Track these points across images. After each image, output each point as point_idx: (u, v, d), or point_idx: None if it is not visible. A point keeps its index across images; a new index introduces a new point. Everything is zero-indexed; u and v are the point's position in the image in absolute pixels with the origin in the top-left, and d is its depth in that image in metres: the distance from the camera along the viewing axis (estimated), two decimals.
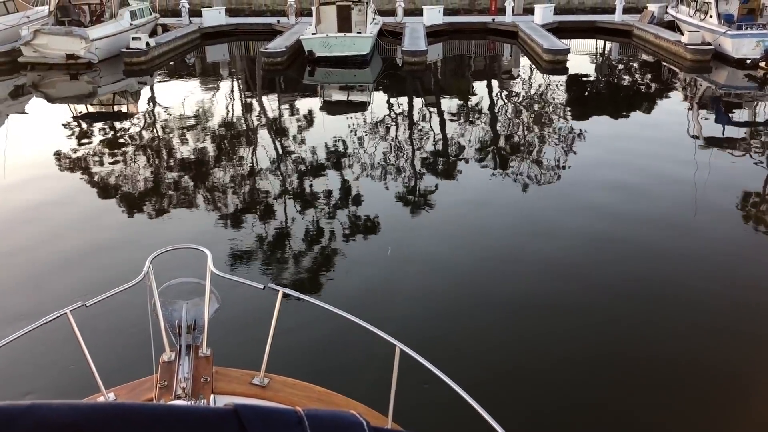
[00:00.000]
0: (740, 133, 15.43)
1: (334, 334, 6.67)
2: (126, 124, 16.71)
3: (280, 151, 14.38)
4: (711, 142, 14.63)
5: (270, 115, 17.73)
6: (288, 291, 3.22)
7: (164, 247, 3.31)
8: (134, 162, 13.52)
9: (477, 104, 18.48)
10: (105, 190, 11.91)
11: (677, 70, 22.79)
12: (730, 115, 17.20)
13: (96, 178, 12.53)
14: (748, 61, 21.74)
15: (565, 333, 7.21)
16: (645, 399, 6.08)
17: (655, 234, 9.74)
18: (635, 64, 24.97)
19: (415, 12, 31.63)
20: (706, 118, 17.05)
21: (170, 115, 17.42)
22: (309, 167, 13.08)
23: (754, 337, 7.09)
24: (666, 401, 6.08)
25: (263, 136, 15.60)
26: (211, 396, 3.04)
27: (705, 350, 6.87)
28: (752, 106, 18.03)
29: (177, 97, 19.42)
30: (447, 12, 31.20)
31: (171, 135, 15.55)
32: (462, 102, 18.77)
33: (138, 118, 17.31)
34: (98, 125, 16.41)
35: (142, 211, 10.96)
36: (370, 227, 10.25)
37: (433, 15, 29.58)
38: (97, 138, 15.28)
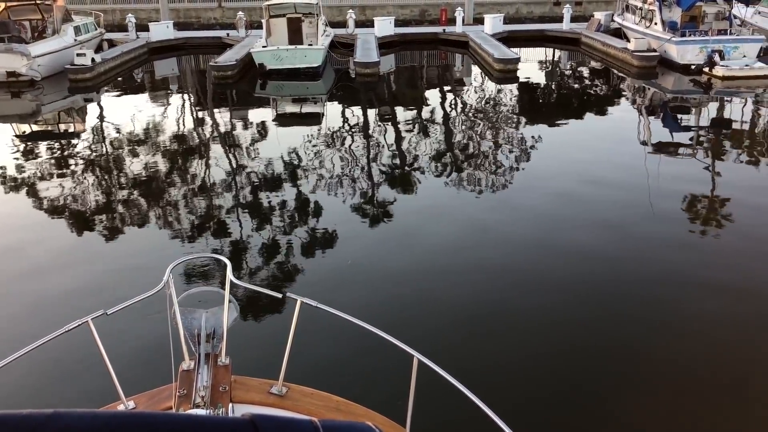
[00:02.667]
0: (688, 137, 15.75)
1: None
2: (73, 142, 16.18)
3: (234, 165, 14.09)
4: (660, 146, 14.89)
5: (222, 129, 17.41)
6: (306, 300, 3.21)
7: (184, 256, 3.37)
8: (83, 181, 13.08)
9: (431, 114, 18.48)
10: (53, 210, 11.47)
11: (625, 76, 23.24)
12: (678, 119, 17.56)
13: (43, 198, 12.07)
14: (693, 67, 22.31)
15: (519, 336, 7.22)
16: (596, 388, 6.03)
17: (608, 239, 9.79)
18: (584, 72, 25.38)
19: (367, 23, 31.67)
20: (655, 124, 17.35)
21: (120, 131, 16.94)
22: (264, 181, 12.85)
23: (702, 335, 7.16)
24: (616, 393, 6.06)
25: (216, 150, 15.29)
26: (230, 405, 3.05)
27: (660, 349, 6.90)
28: (698, 110, 18.46)
29: (126, 113, 18.93)
30: (398, 23, 31.31)
31: (121, 152, 15.12)
32: (416, 112, 18.76)
33: (86, 136, 16.78)
34: (43, 144, 15.86)
35: (93, 230, 10.57)
36: (328, 239, 10.08)
37: (385, 26, 29.64)
38: (43, 157, 14.75)
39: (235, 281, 3.33)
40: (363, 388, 6.00)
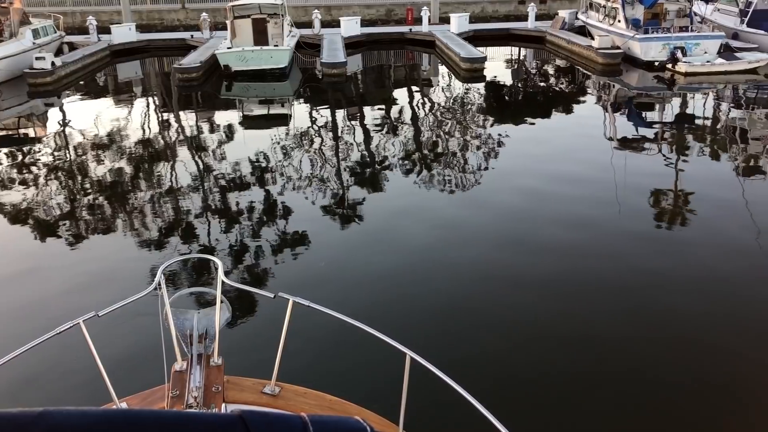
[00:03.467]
0: (652, 132, 15.94)
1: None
2: (35, 147, 15.77)
3: (202, 168, 13.87)
4: (625, 142, 15.05)
5: (189, 132, 17.13)
6: (298, 300, 3.21)
7: (175, 257, 3.34)
8: (45, 187, 12.74)
9: (399, 114, 18.44)
10: (15, 217, 11.15)
11: (590, 73, 23.47)
12: (643, 115, 17.77)
13: (3, 205, 11.71)
14: (657, 64, 22.63)
15: (496, 330, 7.22)
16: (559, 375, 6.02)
17: (577, 234, 9.85)
18: (550, 70, 25.59)
19: (333, 23, 31.54)
20: (620, 120, 17.54)
21: (83, 136, 16.57)
22: (232, 183, 12.67)
23: (669, 326, 7.23)
24: (579, 385, 6.07)
25: (183, 153, 15.03)
26: (223, 405, 3.07)
27: (630, 339, 6.94)
28: (662, 106, 18.71)
29: (89, 117, 18.55)
30: (364, 23, 31.23)
31: (85, 157, 14.78)
32: (384, 112, 18.69)
33: (48, 141, 16.38)
34: (3, 150, 15.43)
35: (57, 236, 10.30)
36: (299, 241, 9.97)
37: (351, 26, 29.54)
38: (3, 164, 14.34)
39: (227, 281, 3.33)
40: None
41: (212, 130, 17.10)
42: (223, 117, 18.41)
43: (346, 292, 8.27)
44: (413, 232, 10.15)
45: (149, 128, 17.56)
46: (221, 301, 3.26)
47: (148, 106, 20.76)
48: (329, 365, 6.56)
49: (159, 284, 3.21)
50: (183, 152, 15.13)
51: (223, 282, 3.29)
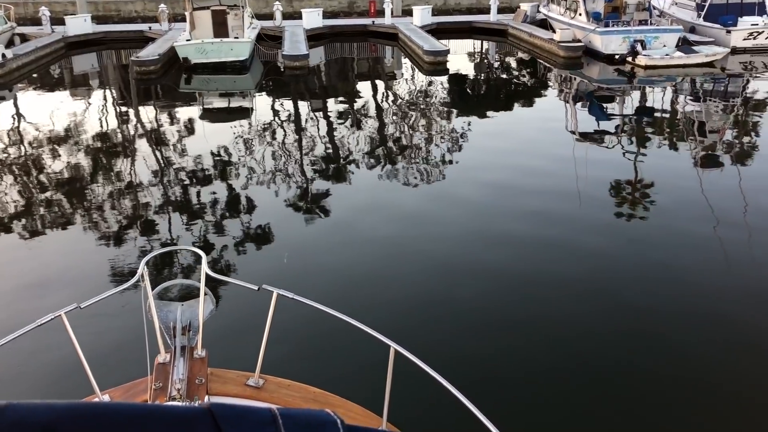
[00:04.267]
0: (613, 125, 16.11)
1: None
2: None
3: (162, 162, 13.57)
4: (587, 135, 15.18)
5: (147, 125, 16.75)
6: (282, 292, 3.19)
7: (158, 248, 3.28)
8: None
9: (363, 107, 18.31)
10: None
11: (551, 66, 23.64)
12: (604, 108, 17.94)
13: None
14: (617, 57, 22.90)
15: (463, 321, 7.21)
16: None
17: (540, 226, 9.90)
18: (512, 63, 25.70)
19: (294, 15, 31.22)
20: (582, 113, 17.69)
21: (38, 130, 16.08)
22: (193, 178, 12.43)
23: (629, 310, 7.30)
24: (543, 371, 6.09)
25: (142, 148, 14.68)
26: (206, 397, 3.03)
27: (592, 327, 7.01)
28: (622, 99, 18.93)
29: (43, 111, 18.02)
30: (326, 15, 30.98)
31: (39, 151, 14.34)
32: (347, 105, 18.55)
33: None
34: None
35: (10, 234, 9.96)
36: (262, 236, 9.80)
37: (313, 18, 29.26)
38: None
39: (211, 274, 3.31)
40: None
41: (172, 124, 16.76)
42: (182, 110, 18.05)
43: (309, 287, 8.14)
44: (376, 225, 10.07)
45: (107, 122, 17.11)
46: (205, 294, 3.24)
47: (105, 99, 20.25)
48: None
49: (142, 276, 3.17)
50: (143, 146, 14.78)
51: (206, 274, 3.28)
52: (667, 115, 17.21)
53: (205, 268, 3.31)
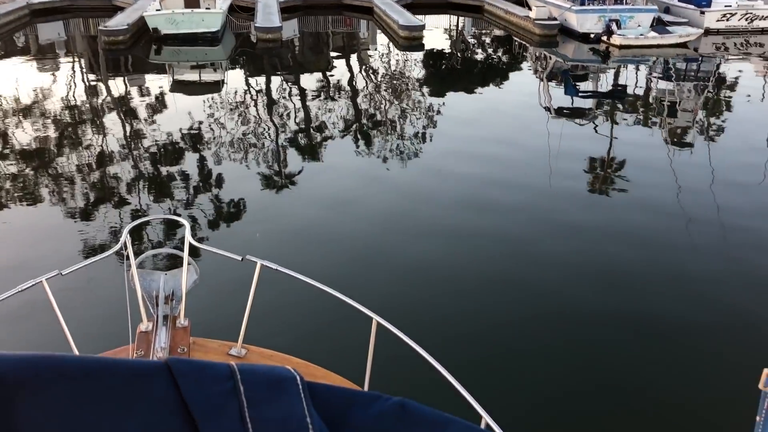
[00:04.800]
0: (587, 103, 16.14)
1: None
2: None
3: (132, 135, 13.26)
4: (561, 112, 15.18)
5: (116, 97, 16.35)
6: (266, 263, 3.18)
7: (141, 217, 3.16)
8: None
9: (337, 82, 18.08)
10: None
11: (527, 44, 23.56)
12: (578, 87, 17.96)
13: None
14: (592, 35, 22.89)
15: (447, 291, 7.19)
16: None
17: (517, 200, 9.91)
18: (488, 40, 25.57)
19: None
20: (556, 91, 17.68)
21: (2, 100, 15.60)
22: (164, 151, 12.19)
23: (601, 280, 7.35)
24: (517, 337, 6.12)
25: (112, 120, 14.33)
26: None
27: (565, 294, 7.04)
28: (597, 77, 18.95)
29: (7, 81, 17.48)
30: None
31: (5, 122, 13.90)
32: (321, 79, 18.30)
33: None
34: None
35: None
36: (234, 212, 9.65)
37: None
38: None
39: (194, 243, 3.28)
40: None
41: (143, 96, 16.38)
42: (152, 82, 17.65)
43: (286, 260, 8.02)
44: (352, 199, 9.97)
45: (75, 93, 16.67)
46: (188, 263, 3.23)
47: (73, 69, 19.71)
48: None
49: (124, 245, 3.14)
50: (113, 118, 14.44)
51: (190, 244, 3.26)
52: (641, 95, 17.28)
53: (188, 237, 3.29)
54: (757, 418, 1.19)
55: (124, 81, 18.07)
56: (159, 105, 15.58)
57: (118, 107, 15.39)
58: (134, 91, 16.82)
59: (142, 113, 14.81)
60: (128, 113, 14.84)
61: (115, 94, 16.66)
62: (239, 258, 3.24)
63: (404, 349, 2.88)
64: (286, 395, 0.87)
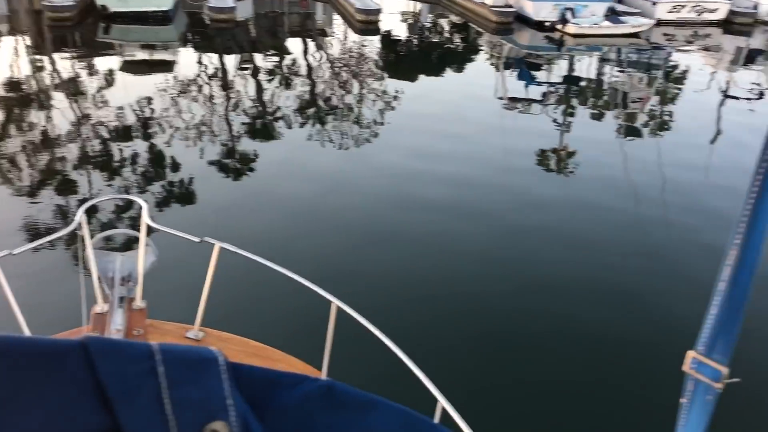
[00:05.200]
0: (541, 92, 16.30)
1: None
2: None
3: (81, 116, 12.84)
4: (515, 101, 15.30)
5: (64, 76, 15.80)
6: (224, 245, 3.11)
7: (98, 196, 2.99)
8: None
9: (291, 65, 17.85)
10: None
11: (483, 31, 23.65)
12: (532, 75, 18.11)
13: None
14: (547, 24, 23.11)
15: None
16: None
17: (464, 191, 9.96)
18: (444, 25, 25.57)
19: None
20: (511, 79, 17.81)
21: None
22: (115, 133, 11.85)
23: (544, 271, 7.47)
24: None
25: (59, 100, 13.85)
26: None
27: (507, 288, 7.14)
28: (551, 66, 19.15)
29: None
30: None
31: None
32: (276, 62, 18.05)
33: None
34: None
35: None
36: (186, 195, 9.46)
37: None
38: None
39: (152, 224, 3.20)
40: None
41: (91, 76, 15.89)
42: (101, 62, 17.13)
43: (241, 243, 7.91)
44: (301, 186, 9.88)
45: (18, 71, 16.07)
46: (146, 244, 3.17)
47: (16, 47, 18.98)
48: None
49: (79, 224, 3.05)
50: (60, 98, 13.96)
51: (147, 225, 3.18)
52: (594, 83, 17.54)
53: (145, 217, 3.21)
54: (683, 400, 1.22)
55: (72, 60, 17.49)
56: (109, 85, 15.13)
57: (66, 87, 14.88)
58: (82, 71, 16.30)
59: (92, 93, 14.36)
60: (77, 93, 14.38)
61: (63, 73, 16.12)
62: (197, 240, 3.19)
63: (363, 333, 2.88)
64: (206, 376, 0.85)
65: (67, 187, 9.56)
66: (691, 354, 1.27)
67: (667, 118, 14.52)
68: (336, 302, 3.02)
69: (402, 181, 10.25)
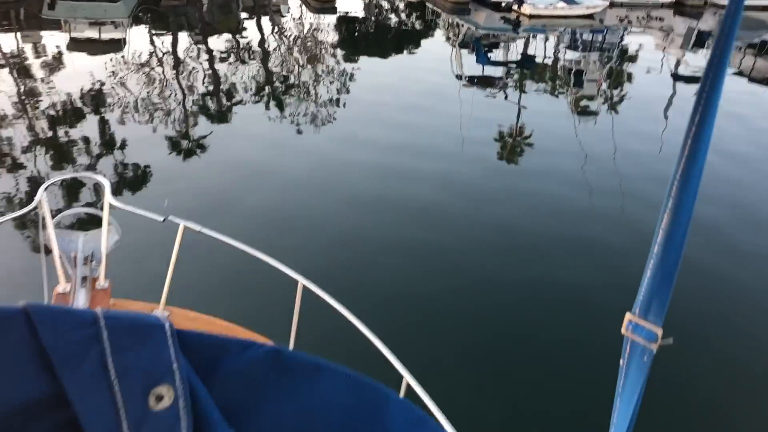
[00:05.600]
0: (497, 71, 16.40)
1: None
2: None
3: (26, 96, 12.41)
4: (472, 80, 15.36)
5: (7, 54, 15.24)
6: (189, 224, 3.06)
7: (58, 174, 2.91)
8: None
9: (247, 44, 17.56)
10: None
11: (440, 11, 23.62)
12: (488, 54, 18.20)
13: None
14: (503, 4, 23.21)
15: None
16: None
17: (428, 166, 9.99)
18: (401, 5, 25.45)
19: None
20: (468, 58, 17.85)
21: None
22: (63, 113, 11.47)
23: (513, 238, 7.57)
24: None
25: (2, 78, 13.35)
26: None
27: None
28: (507, 46, 19.26)
29: None
30: None
31: None
32: (230, 41, 17.72)
33: None
34: None
35: None
36: (138, 178, 9.24)
37: None
38: None
39: (114, 203, 3.12)
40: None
41: (37, 54, 15.35)
42: (47, 39, 16.59)
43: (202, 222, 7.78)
44: (263, 164, 9.75)
45: None
46: (109, 223, 3.11)
47: None
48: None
49: (40, 203, 2.95)
50: (3, 77, 13.46)
51: (111, 204, 3.10)
52: (549, 64, 17.71)
53: (108, 196, 3.13)
54: (621, 362, 1.27)
55: (15, 37, 16.87)
56: (56, 63, 14.66)
57: (9, 65, 14.36)
58: (27, 49, 15.75)
59: (38, 72, 13.89)
60: (21, 72, 13.89)
61: (6, 50, 15.54)
62: (161, 219, 3.14)
63: (329, 311, 2.86)
64: (152, 342, 0.86)
65: (16, 170, 9.24)
66: (628, 316, 1.30)
67: (620, 97, 14.76)
68: (302, 281, 3.01)
69: (362, 157, 10.21)
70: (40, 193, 2.99)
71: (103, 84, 13.20)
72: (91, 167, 9.43)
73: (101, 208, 3.15)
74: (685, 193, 1.13)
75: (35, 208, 2.98)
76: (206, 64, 15.26)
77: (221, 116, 11.93)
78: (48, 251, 3.03)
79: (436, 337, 6.27)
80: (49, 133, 10.62)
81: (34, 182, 8.90)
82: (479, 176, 9.88)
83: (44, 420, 0.81)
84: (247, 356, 0.91)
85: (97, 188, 8.36)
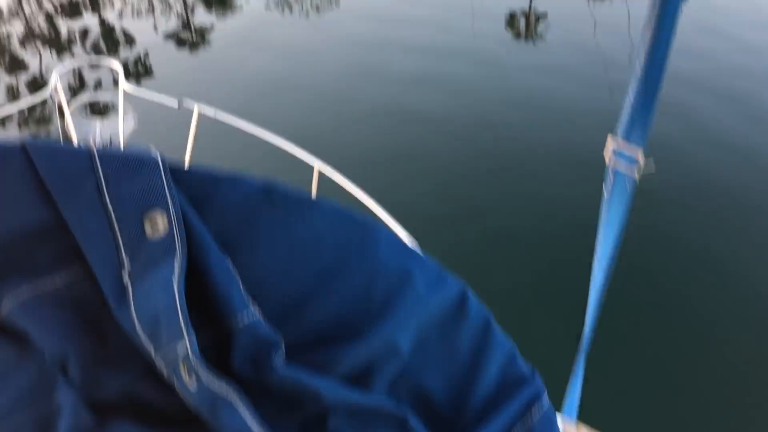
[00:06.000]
0: None
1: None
2: None
3: None
4: None
5: None
6: (205, 109, 2.97)
7: (70, 60, 2.87)
8: None
9: None
10: None
11: None
12: None
13: None
14: None
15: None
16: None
17: (433, 59, 9.85)
18: None
19: None
20: None
21: None
22: (59, 8, 11.25)
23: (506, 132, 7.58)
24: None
25: None
26: None
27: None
28: None
29: None
30: None
31: None
32: None
33: None
34: None
35: None
36: (141, 71, 9.19)
37: None
38: None
39: (128, 91, 3.07)
40: None
41: None
42: None
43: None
44: (259, 58, 9.64)
45: None
46: (125, 111, 3.08)
47: None
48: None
49: (55, 89, 2.90)
50: None
51: (125, 90, 3.04)
52: None
53: (122, 82, 3.08)
54: (604, 192, 1.27)
55: None
56: None
57: None
58: None
59: None
60: None
61: None
62: (175, 103, 3.09)
63: (346, 195, 2.89)
64: (145, 171, 0.89)
65: (15, 66, 9.16)
66: (610, 141, 1.29)
67: None
68: (318, 164, 3.01)
69: (366, 50, 10.04)
70: (54, 79, 2.96)
71: None
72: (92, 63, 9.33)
73: (116, 94, 3.12)
74: (664, 16, 1.10)
75: (50, 94, 2.94)
76: None
77: (221, 5, 11.64)
78: (66, 138, 3.01)
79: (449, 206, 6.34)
80: (44, 26, 10.45)
81: (33, 82, 8.85)
82: (482, 71, 9.65)
83: (48, 245, 0.85)
84: (240, 188, 0.94)
85: (104, 78, 8.27)
